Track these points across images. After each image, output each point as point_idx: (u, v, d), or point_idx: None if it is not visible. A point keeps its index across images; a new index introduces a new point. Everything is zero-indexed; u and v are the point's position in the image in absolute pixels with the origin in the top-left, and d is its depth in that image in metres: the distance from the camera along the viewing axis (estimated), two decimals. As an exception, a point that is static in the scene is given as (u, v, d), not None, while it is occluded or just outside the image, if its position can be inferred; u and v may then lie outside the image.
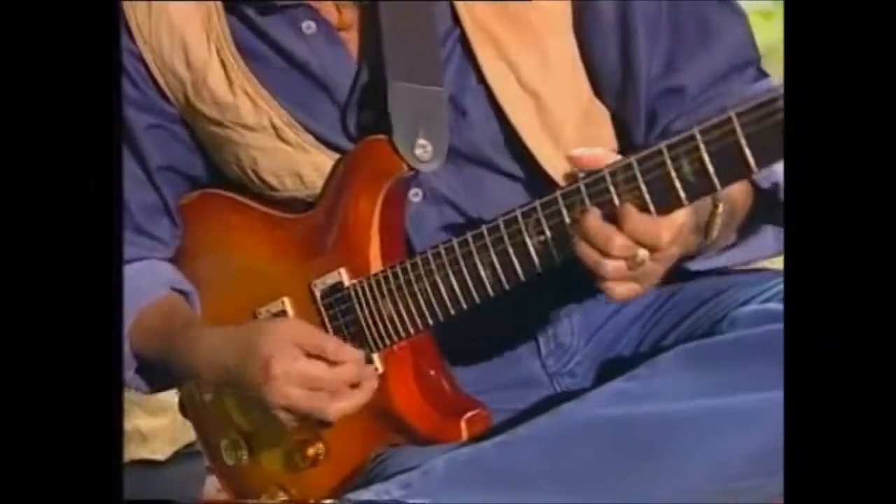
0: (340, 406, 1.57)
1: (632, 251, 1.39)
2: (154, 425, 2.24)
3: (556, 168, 1.59)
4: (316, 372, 1.56)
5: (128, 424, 2.28)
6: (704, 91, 1.61)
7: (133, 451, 2.30)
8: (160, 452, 2.27)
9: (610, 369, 1.64)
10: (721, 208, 1.48)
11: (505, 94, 1.60)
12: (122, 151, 1.67)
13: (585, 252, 1.41)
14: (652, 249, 1.39)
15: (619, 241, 1.39)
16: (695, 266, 1.60)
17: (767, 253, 1.63)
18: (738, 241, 1.61)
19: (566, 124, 1.62)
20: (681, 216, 1.40)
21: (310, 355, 1.56)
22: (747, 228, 1.60)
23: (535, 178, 1.61)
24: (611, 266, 1.40)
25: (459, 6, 1.60)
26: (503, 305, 1.55)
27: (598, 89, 1.65)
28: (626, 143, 1.65)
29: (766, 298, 1.53)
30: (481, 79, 1.61)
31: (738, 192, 1.52)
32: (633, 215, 1.39)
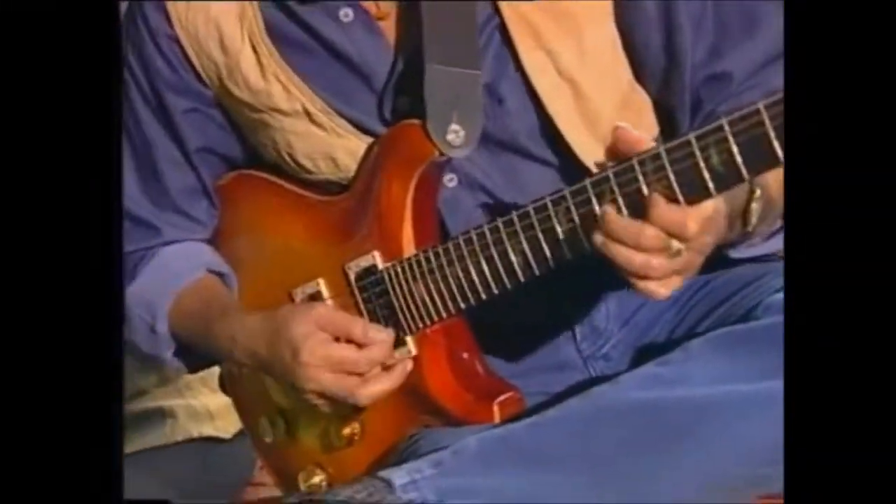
0: (372, 390, 1.59)
1: (663, 242, 1.39)
2: (220, 403, 2.26)
3: (591, 156, 1.59)
4: (346, 355, 1.58)
5: (194, 401, 2.30)
6: (750, 77, 1.60)
7: (198, 427, 2.33)
8: (224, 431, 2.30)
9: (644, 354, 1.64)
10: (758, 194, 1.48)
11: (542, 84, 1.60)
12: (122, 149, 1.70)
13: (615, 251, 1.41)
14: (680, 239, 1.39)
15: (650, 233, 1.39)
16: (737, 254, 1.60)
17: None
18: (768, 232, 1.60)
19: (604, 111, 1.61)
20: (710, 206, 1.40)
21: (339, 339, 1.58)
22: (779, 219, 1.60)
23: (570, 165, 1.61)
24: (642, 259, 1.40)
25: None
26: (538, 290, 1.56)
27: (640, 77, 1.64)
28: (670, 130, 1.64)
29: None
30: (519, 67, 1.61)
31: (773, 179, 1.51)
32: (660, 204, 1.39)
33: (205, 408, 2.32)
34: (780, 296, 1.52)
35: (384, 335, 1.59)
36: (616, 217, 1.41)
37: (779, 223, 1.59)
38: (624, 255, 1.41)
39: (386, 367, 1.60)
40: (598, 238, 1.42)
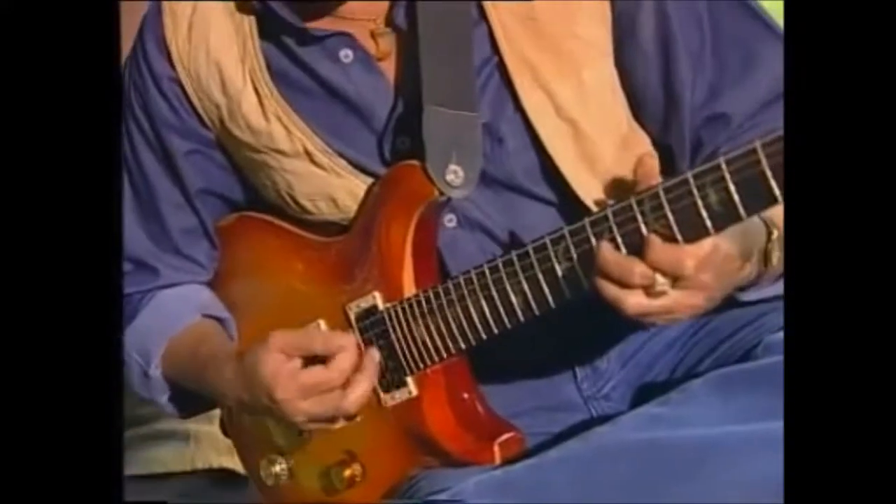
0: (354, 397, 1.59)
1: (651, 279, 1.40)
2: None
3: (591, 196, 1.60)
4: (316, 379, 1.58)
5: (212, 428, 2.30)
6: (750, 118, 1.60)
7: (219, 458, 2.32)
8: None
9: (645, 394, 1.63)
10: (776, 235, 1.49)
11: (542, 124, 1.61)
12: (122, 151, 1.71)
13: (605, 288, 1.42)
14: (676, 277, 1.40)
15: (638, 270, 1.40)
16: (745, 297, 1.59)
17: None
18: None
19: (604, 151, 1.62)
20: (707, 243, 1.40)
21: (305, 359, 1.58)
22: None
23: (570, 204, 1.62)
24: (633, 299, 1.41)
25: (498, 34, 1.60)
26: (538, 329, 1.56)
27: (640, 117, 1.65)
28: (671, 171, 1.63)
29: None
30: (518, 107, 1.61)
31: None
32: (656, 244, 1.39)
33: (225, 441, 2.32)
34: (780, 335, 1.52)
35: (346, 339, 1.60)
36: (609, 253, 1.42)
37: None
38: (613, 292, 1.42)
39: (357, 368, 1.60)
40: (593, 275, 1.43)
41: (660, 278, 1.40)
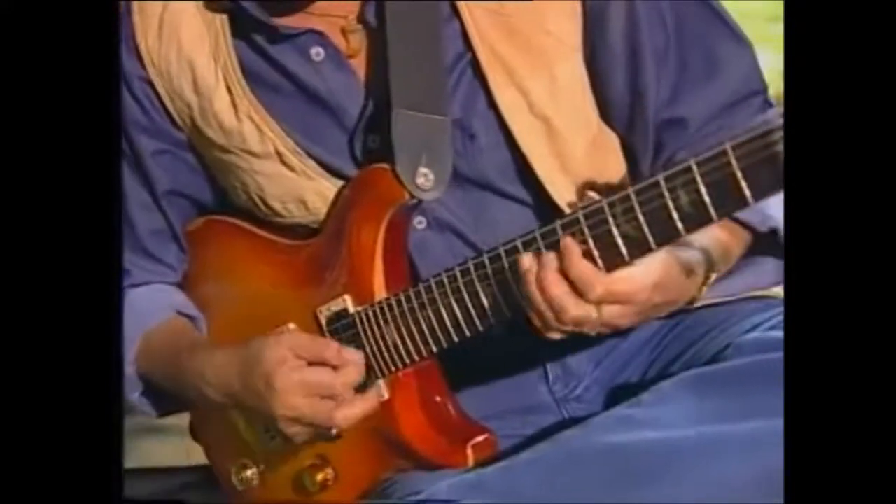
0: (348, 413, 1.58)
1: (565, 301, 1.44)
2: None
3: (563, 195, 1.60)
4: (320, 378, 1.57)
5: None
6: (707, 123, 1.61)
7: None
8: None
9: (618, 395, 1.63)
10: (713, 280, 1.52)
11: (515, 121, 1.60)
12: (122, 157, 1.68)
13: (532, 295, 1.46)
14: (581, 294, 1.43)
15: (556, 290, 1.44)
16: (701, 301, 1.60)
17: (764, 284, 1.62)
18: (735, 271, 1.61)
19: (576, 150, 1.62)
20: (625, 285, 1.43)
21: (312, 363, 1.57)
22: (745, 259, 1.60)
23: (542, 204, 1.62)
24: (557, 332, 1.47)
25: (471, 30, 1.59)
26: (511, 332, 1.55)
27: (606, 116, 1.65)
28: (634, 171, 1.65)
29: (770, 326, 1.53)
30: (491, 104, 1.60)
31: (733, 238, 1.54)
32: (574, 257, 1.43)
33: None
34: (751, 336, 1.53)
35: (357, 356, 1.59)
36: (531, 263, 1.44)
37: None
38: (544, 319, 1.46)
39: (359, 391, 1.59)
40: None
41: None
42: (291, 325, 1.65)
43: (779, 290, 1.63)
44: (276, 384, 1.57)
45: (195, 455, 2.30)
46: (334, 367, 1.57)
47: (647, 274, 1.44)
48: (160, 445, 2.38)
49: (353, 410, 1.58)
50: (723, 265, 1.56)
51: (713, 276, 1.53)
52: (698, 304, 1.61)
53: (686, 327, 1.65)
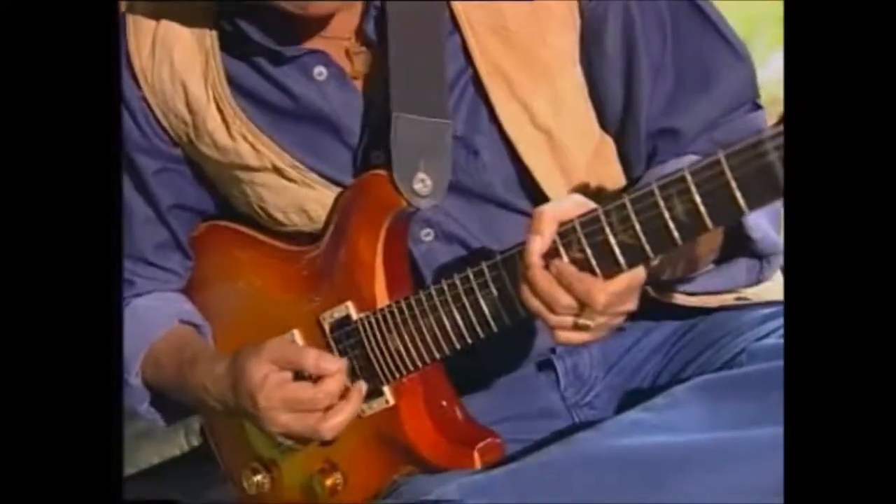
0: (333, 422, 1.58)
1: (574, 311, 1.40)
2: None
3: None
4: (302, 394, 1.58)
5: None
6: (700, 134, 1.59)
7: None
8: None
9: (629, 401, 1.62)
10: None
11: (518, 135, 1.59)
12: (122, 159, 1.68)
13: (533, 303, 1.42)
14: (586, 305, 1.40)
15: (564, 301, 1.40)
16: (678, 300, 1.60)
17: (739, 285, 1.60)
18: (712, 269, 1.59)
19: (578, 161, 1.60)
20: (624, 279, 1.40)
21: (296, 374, 1.58)
22: (722, 258, 1.58)
23: None
24: (555, 319, 1.41)
25: (471, 45, 1.57)
26: (521, 337, 1.56)
27: (601, 122, 1.63)
28: (627, 177, 1.64)
29: (783, 333, 1.51)
30: (493, 118, 1.59)
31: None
32: (570, 272, 1.40)
33: None
34: (765, 343, 1.52)
35: (337, 364, 1.59)
36: (541, 274, 1.41)
37: (710, 266, 1.59)
38: (541, 312, 1.42)
39: (342, 396, 1.59)
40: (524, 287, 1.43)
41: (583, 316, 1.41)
42: (296, 332, 1.65)
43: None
44: (261, 403, 1.58)
45: (194, 437, 2.35)
46: (317, 378, 1.58)
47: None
48: (152, 444, 2.40)
49: (338, 419, 1.59)
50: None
51: None
52: (713, 305, 1.60)
53: (698, 332, 1.64)
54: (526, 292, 1.43)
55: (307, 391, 1.58)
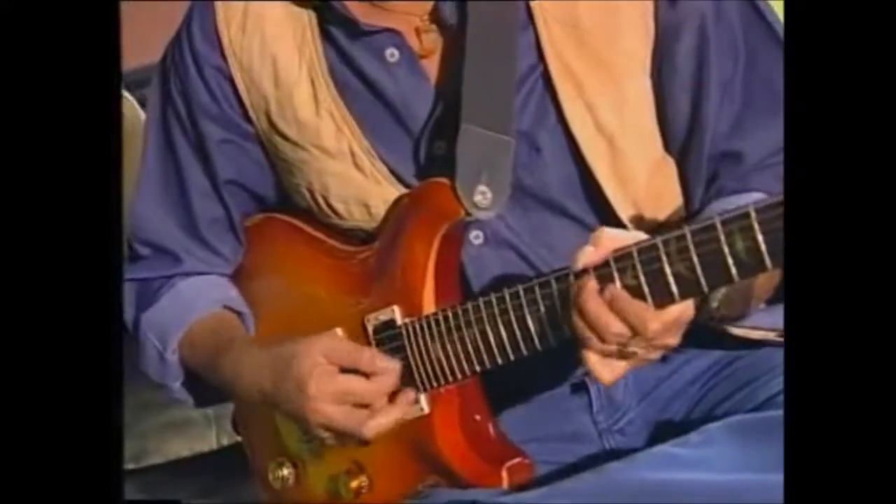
0: (378, 422, 1.58)
1: (624, 338, 1.41)
2: None
3: (626, 214, 1.58)
4: (353, 386, 1.57)
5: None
6: (763, 159, 1.59)
7: None
8: None
9: (661, 431, 1.62)
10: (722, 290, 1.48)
11: (582, 136, 1.59)
12: (121, 157, 1.68)
13: (580, 328, 1.43)
14: (636, 333, 1.40)
15: (615, 329, 1.40)
16: (737, 331, 1.59)
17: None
18: (763, 308, 1.59)
19: (637, 173, 1.60)
20: (675, 310, 1.40)
21: (345, 370, 1.57)
22: (775, 299, 1.58)
23: (603, 224, 1.58)
24: (599, 346, 1.42)
25: (544, 41, 1.58)
26: (558, 358, 1.54)
27: (666, 141, 1.63)
28: (685, 197, 1.63)
29: None
30: (560, 118, 1.59)
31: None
32: (624, 299, 1.40)
33: None
34: None
35: (392, 364, 1.58)
36: (594, 299, 1.41)
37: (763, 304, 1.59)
38: (587, 336, 1.43)
39: (391, 399, 1.59)
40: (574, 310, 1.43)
41: (639, 343, 1.41)
42: (339, 330, 1.64)
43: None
44: (310, 390, 1.57)
45: (224, 437, 2.35)
46: (368, 375, 1.57)
47: None
48: (182, 437, 2.40)
49: (384, 419, 1.58)
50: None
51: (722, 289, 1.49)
52: (755, 338, 1.59)
53: (738, 368, 1.62)
54: (576, 315, 1.43)
55: (360, 385, 1.57)
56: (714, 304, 1.47)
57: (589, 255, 1.43)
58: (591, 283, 1.42)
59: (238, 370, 1.66)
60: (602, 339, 1.41)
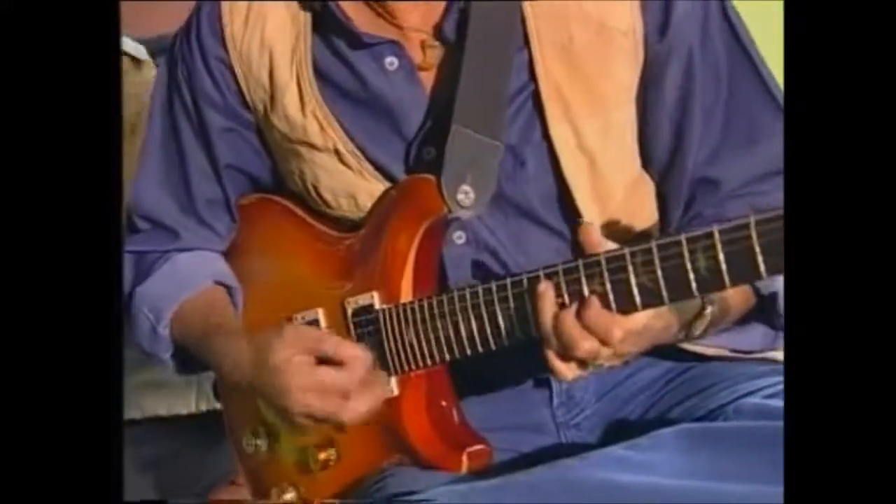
0: (355, 407, 1.64)
1: (595, 355, 1.50)
2: None
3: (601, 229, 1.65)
4: (328, 378, 1.63)
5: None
6: (738, 188, 1.67)
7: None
8: None
9: (615, 429, 1.70)
10: (709, 311, 1.57)
11: (564, 154, 1.67)
12: (121, 150, 1.75)
13: (545, 330, 1.52)
14: (602, 342, 1.49)
15: (585, 346, 1.50)
16: (691, 346, 1.68)
17: (753, 348, 1.69)
18: (731, 327, 1.67)
19: (615, 192, 1.69)
20: (641, 319, 1.50)
21: (318, 358, 1.64)
22: (740, 321, 1.66)
23: (576, 238, 1.65)
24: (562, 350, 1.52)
25: (538, 63, 1.67)
26: (523, 350, 1.62)
27: (645, 162, 1.72)
28: (664, 220, 1.72)
29: (771, 393, 1.59)
30: (545, 135, 1.67)
31: (738, 293, 1.59)
32: (594, 306, 1.49)
33: None
34: (753, 401, 1.59)
35: (357, 351, 1.64)
36: (570, 319, 1.50)
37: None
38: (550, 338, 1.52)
39: (366, 385, 1.65)
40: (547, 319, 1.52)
41: (603, 351, 1.50)
42: (320, 311, 1.73)
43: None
44: (286, 383, 1.63)
45: (203, 402, 2.40)
46: (339, 363, 1.63)
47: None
48: (164, 396, 2.46)
49: (361, 404, 1.64)
50: (717, 307, 1.59)
51: (708, 309, 1.57)
52: (710, 354, 1.68)
53: (692, 376, 1.71)
54: (541, 317, 1.52)
55: (335, 374, 1.63)
56: (697, 333, 1.57)
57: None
58: (551, 293, 1.52)
59: (223, 357, 1.74)
60: (572, 353, 1.51)
